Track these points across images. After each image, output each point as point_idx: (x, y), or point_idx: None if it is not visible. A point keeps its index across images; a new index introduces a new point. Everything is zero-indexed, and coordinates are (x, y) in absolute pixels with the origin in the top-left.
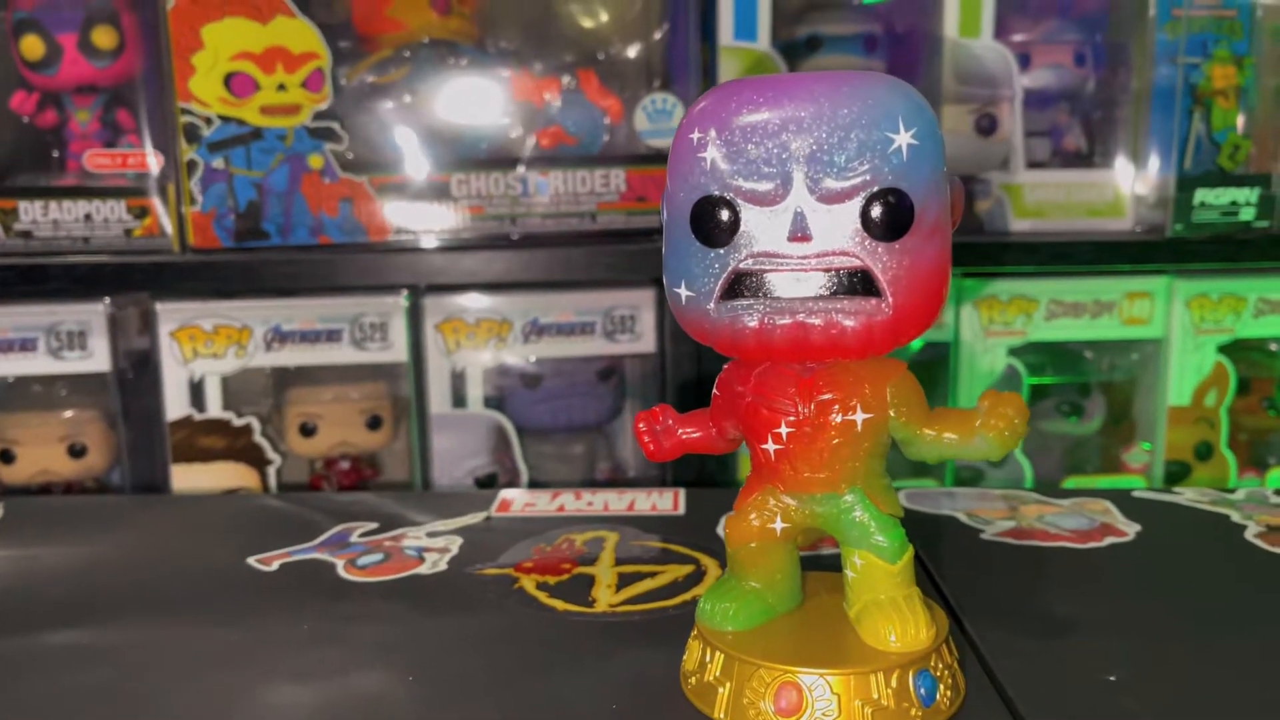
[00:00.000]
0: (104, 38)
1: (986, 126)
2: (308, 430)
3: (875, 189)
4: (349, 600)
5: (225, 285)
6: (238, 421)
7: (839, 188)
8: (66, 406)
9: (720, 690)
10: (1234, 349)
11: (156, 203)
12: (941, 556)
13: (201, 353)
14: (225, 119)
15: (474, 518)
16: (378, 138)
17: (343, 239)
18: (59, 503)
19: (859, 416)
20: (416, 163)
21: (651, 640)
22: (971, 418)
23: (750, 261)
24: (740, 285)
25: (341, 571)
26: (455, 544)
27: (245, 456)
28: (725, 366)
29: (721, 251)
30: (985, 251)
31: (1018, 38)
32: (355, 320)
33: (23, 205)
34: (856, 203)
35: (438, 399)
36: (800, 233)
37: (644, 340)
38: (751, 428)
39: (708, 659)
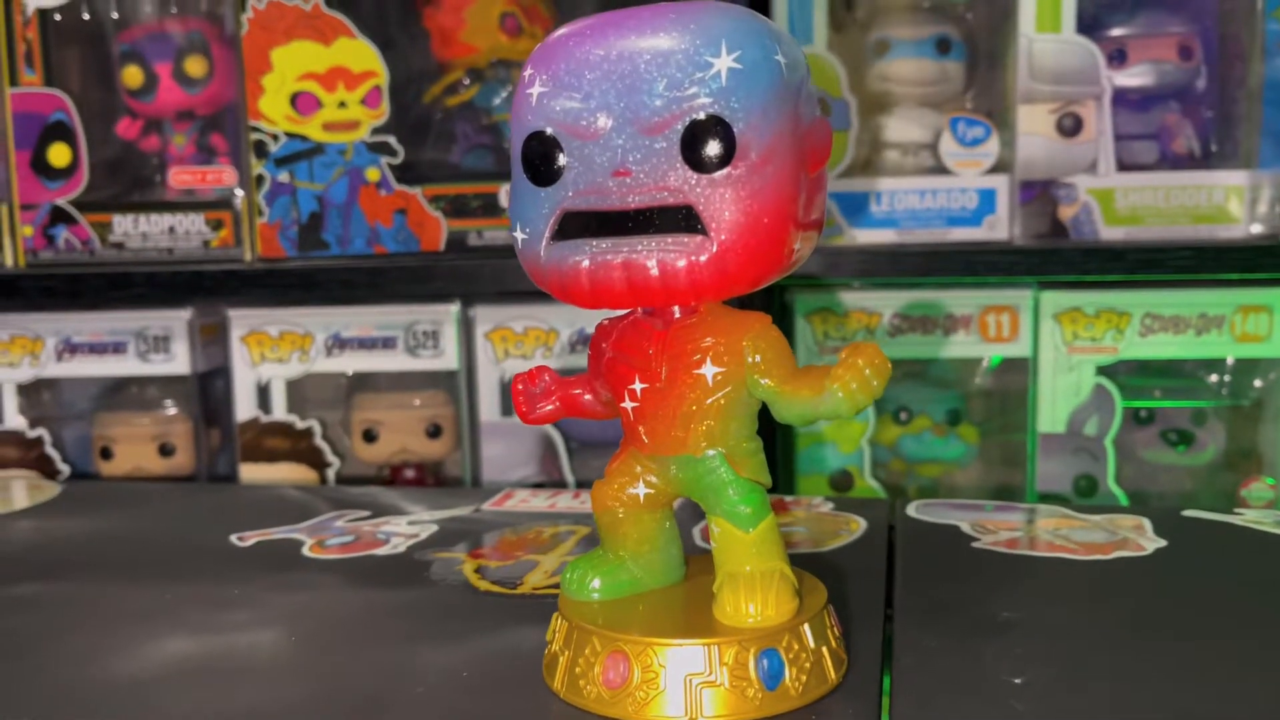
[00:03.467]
0: (195, 66)
1: (1069, 127)
2: (370, 437)
3: (692, 117)
4: (294, 572)
5: (289, 294)
6: (300, 424)
7: (656, 118)
8: (157, 407)
9: (561, 660)
10: None
11: (230, 216)
12: (914, 560)
13: (268, 357)
14: (291, 135)
15: (463, 509)
16: (433, 151)
17: (397, 249)
18: (109, 487)
19: (710, 370)
20: (469, 175)
21: (545, 619)
22: (825, 372)
23: (578, 200)
24: (570, 225)
25: (306, 550)
26: (428, 531)
27: (307, 458)
28: (598, 323)
29: (551, 190)
30: (1064, 258)
31: (1114, 32)
32: (409, 328)
33: (116, 219)
34: (676, 133)
35: (487, 407)
36: (621, 167)
37: None
38: (613, 386)
39: (557, 628)
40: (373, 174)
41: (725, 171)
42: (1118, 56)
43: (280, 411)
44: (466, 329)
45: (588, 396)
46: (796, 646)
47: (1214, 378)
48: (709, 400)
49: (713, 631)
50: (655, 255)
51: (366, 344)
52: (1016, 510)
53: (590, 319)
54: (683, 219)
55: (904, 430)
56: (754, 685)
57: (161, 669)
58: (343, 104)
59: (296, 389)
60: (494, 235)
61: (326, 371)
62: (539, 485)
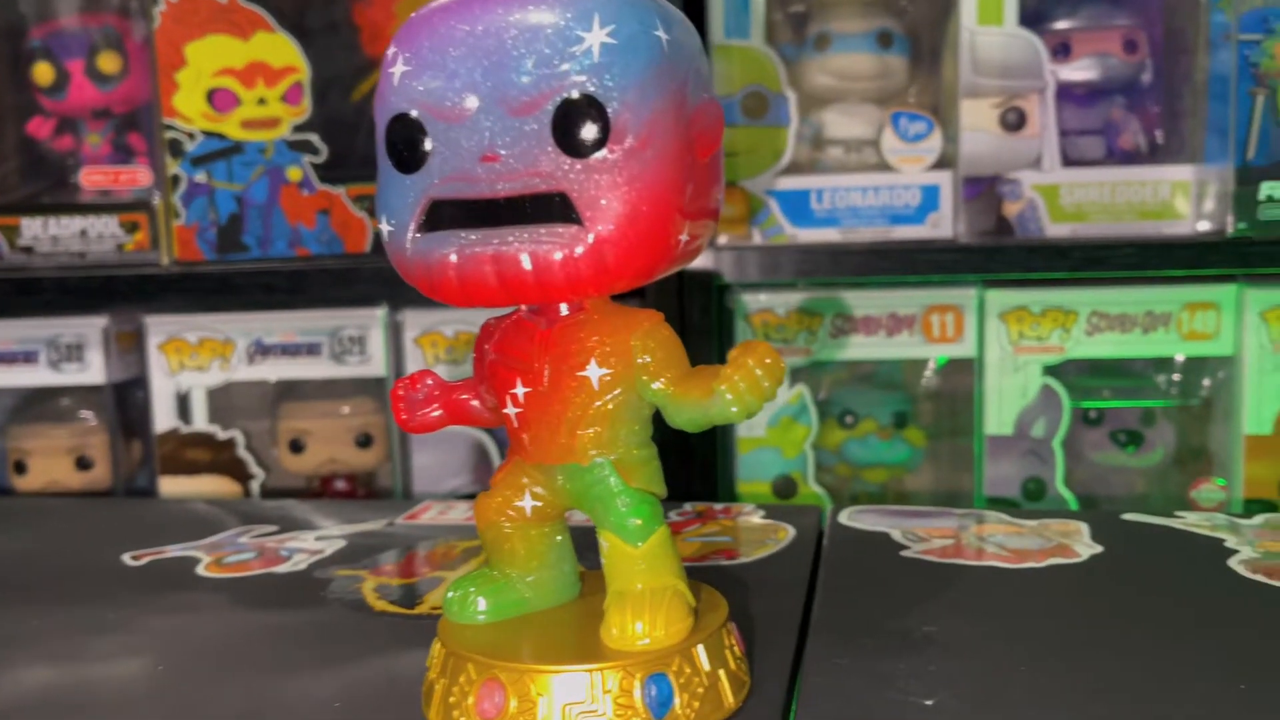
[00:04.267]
0: (109, 63)
1: (1013, 121)
2: (297, 447)
3: (563, 95)
4: (181, 593)
5: (208, 299)
6: (222, 435)
7: (524, 97)
8: (73, 419)
9: (436, 688)
10: None
11: (146, 218)
12: (838, 571)
13: (188, 365)
14: (208, 133)
15: (375, 523)
16: (358, 149)
17: (320, 250)
18: (17, 502)
19: (594, 372)
20: None
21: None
22: (713, 374)
23: (445, 187)
24: (437, 215)
25: (201, 569)
26: (334, 546)
27: (230, 470)
28: (483, 323)
29: (417, 177)
30: (1009, 256)
31: (1058, 25)
32: (334, 334)
33: (25, 221)
34: (547, 114)
35: None
36: (489, 151)
37: None
38: (494, 390)
39: (434, 654)
40: (294, 173)
41: (601, 155)
42: (1061, 50)
43: (201, 422)
44: (394, 334)
45: (475, 402)
46: (689, 670)
47: (1162, 377)
48: (595, 404)
49: (598, 656)
50: (528, 247)
51: (290, 350)
52: (952, 516)
53: None
54: (557, 207)
55: (849, 434)
56: (640, 714)
57: (7, 703)
58: (262, 100)
59: (218, 398)
60: None
61: (249, 380)
62: (472, 496)
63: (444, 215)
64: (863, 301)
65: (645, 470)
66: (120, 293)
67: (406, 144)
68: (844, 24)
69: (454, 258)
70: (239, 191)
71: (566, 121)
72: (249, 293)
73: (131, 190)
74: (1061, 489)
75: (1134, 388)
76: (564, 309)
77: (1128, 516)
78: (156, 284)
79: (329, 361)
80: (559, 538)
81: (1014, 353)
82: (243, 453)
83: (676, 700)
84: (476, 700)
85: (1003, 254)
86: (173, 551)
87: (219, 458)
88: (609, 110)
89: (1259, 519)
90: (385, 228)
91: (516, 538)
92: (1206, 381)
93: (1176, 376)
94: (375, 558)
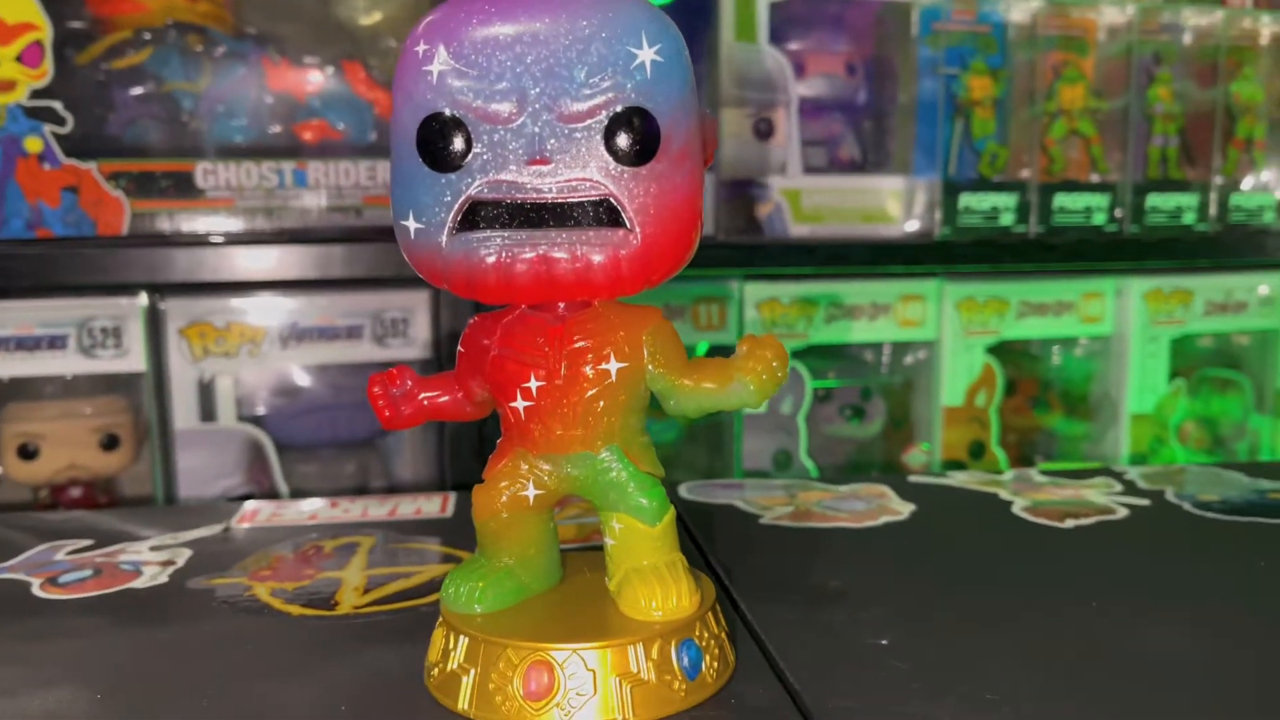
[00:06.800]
0: None
1: (764, 130)
2: (28, 453)
3: (618, 108)
4: (40, 618)
5: None
6: None
7: (580, 107)
8: None
9: (464, 679)
10: (1001, 351)
11: None
12: (716, 540)
13: None
14: None
15: (210, 529)
16: (111, 122)
17: (66, 232)
18: None
19: (614, 366)
20: (156, 149)
21: (395, 638)
22: (729, 365)
23: (486, 189)
24: (476, 215)
25: (37, 590)
26: (182, 556)
27: None
28: (471, 320)
29: (454, 177)
30: (765, 253)
31: (793, 45)
32: (83, 325)
33: None
34: (599, 123)
35: (183, 413)
36: (539, 155)
37: (417, 345)
38: (499, 384)
39: (451, 646)
40: (33, 144)
41: (649, 165)
42: (798, 69)
43: None
44: (155, 325)
45: (456, 396)
46: (707, 635)
47: (870, 357)
48: (615, 396)
49: (626, 629)
50: (575, 249)
51: (28, 344)
52: (775, 487)
53: (302, 313)
54: (604, 212)
55: None
56: (678, 678)
57: None
58: None
59: None
60: (191, 220)
61: None
62: (247, 496)
63: (481, 215)
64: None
65: (649, 455)
66: None
67: (443, 143)
68: None
69: (496, 258)
70: None
71: (621, 132)
72: None
73: None
74: (804, 458)
75: (854, 368)
76: (562, 306)
77: (912, 479)
78: None
79: (77, 355)
80: (550, 524)
81: None
82: None
83: (704, 662)
84: (523, 683)
85: (762, 251)
86: None
87: None
88: (659, 123)
89: (1008, 475)
90: (411, 225)
91: (516, 526)
92: (909, 360)
93: (886, 358)
94: (242, 564)
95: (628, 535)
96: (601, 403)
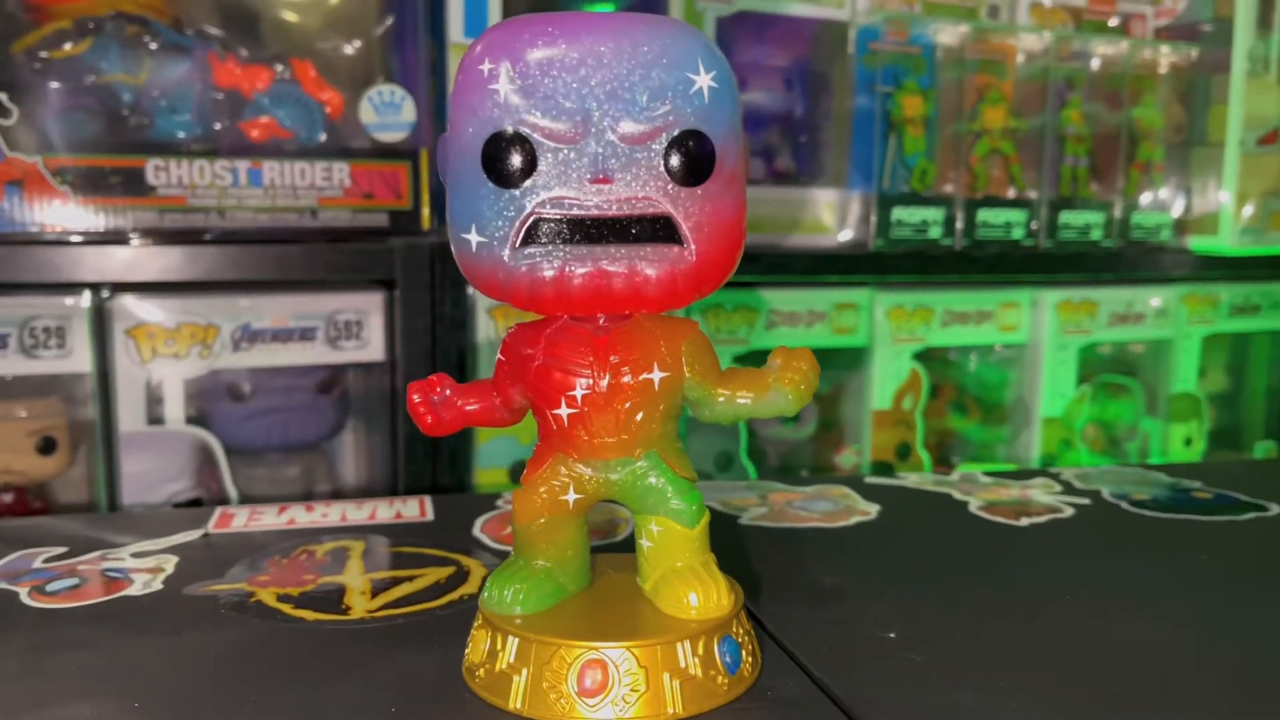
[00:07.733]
0: None
1: None
2: None
3: (678, 131)
4: (43, 629)
5: None
6: None
7: (641, 129)
8: None
9: (515, 679)
10: (926, 357)
11: None
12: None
13: None
14: None
15: (189, 535)
16: (55, 115)
17: (9, 228)
18: None
19: (656, 375)
20: (103, 145)
21: (420, 641)
22: (764, 375)
23: (549, 205)
24: (537, 230)
25: (26, 599)
26: (170, 563)
27: None
28: (510, 329)
29: (516, 193)
30: None
31: (734, 58)
32: (24, 324)
33: None
34: (659, 145)
35: (129, 416)
36: (602, 174)
37: (371, 348)
38: (543, 392)
39: (498, 647)
40: None
41: (704, 185)
42: (739, 81)
43: None
44: (100, 324)
45: (493, 403)
46: (742, 631)
47: None
48: (656, 405)
49: (670, 627)
50: (634, 264)
51: None
52: (740, 489)
53: (253, 314)
54: (661, 229)
55: None
56: (721, 673)
57: None
58: None
59: None
60: (143, 217)
61: None
62: (195, 501)
63: (542, 230)
64: None
65: (684, 459)
66: None
67: (510, 160)
68: None
69: (555, 273)
70: None
71: (681, 154)
72: None
73: None
74: (744, 460)
75: None
76: (602, 318)
77: (869, 480)
78: None
79: (17, 355)
80: (585, 527)
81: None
82: None
83: (743, 657)
84: (578, 680)
85: None
86: None
87: None
88: (716, 146)
89: (954, 476)
90: (473, 239)
91: (553, 529)
92: (844, 365)
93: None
94: (235, 570)
95: (666, 537)
96: (642, 411)
